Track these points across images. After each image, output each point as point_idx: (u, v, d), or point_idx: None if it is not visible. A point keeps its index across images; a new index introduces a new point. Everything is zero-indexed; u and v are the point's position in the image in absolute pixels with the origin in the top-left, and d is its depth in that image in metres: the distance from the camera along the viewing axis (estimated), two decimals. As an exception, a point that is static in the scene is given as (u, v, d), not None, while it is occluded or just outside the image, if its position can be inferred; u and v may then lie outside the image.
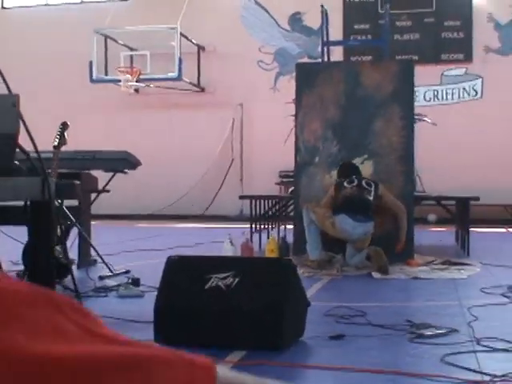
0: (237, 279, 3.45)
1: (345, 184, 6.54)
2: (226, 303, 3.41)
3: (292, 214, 8.11)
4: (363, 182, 6.55)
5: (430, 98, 15.12)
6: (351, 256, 6.41)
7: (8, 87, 1.71)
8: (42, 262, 1.88)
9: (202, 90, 16.14)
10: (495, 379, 2.78)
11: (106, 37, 15.41)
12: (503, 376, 2.81)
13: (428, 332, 3.62)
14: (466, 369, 2.95)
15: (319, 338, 3.58)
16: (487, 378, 2.81)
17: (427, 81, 14.57)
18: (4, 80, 1.71)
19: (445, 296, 5.01)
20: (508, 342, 3.39)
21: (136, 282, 5.38)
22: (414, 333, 3.63)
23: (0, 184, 1.68)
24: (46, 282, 1.90)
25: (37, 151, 1.71)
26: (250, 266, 3.66)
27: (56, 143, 5.05)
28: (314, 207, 6.55)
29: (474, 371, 2.92)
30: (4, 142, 1.63)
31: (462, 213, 8.25)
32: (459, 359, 3.11)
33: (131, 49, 15.62)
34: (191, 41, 15.50)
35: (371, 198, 6.48)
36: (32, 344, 0.48)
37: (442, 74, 15.12)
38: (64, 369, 0.49)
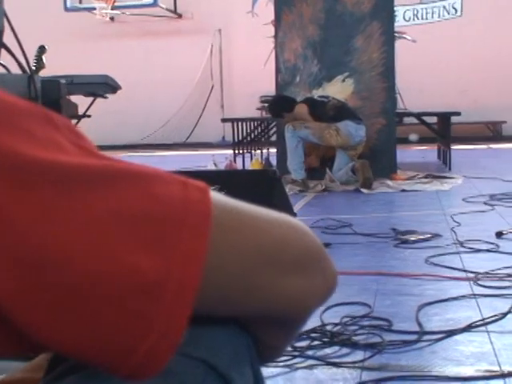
0: (222, 192, 3.48)
1: (318, 99, 6.60)
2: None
3: (274, 136, 8.12)
4: (332, 97, 6.67)
5: (410, 18, 14.96)
6: (338, 168, 6.47)
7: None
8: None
9: (179, 16, 15.89)
10: (479, 276, 2.87)
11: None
12: (486, 273, 2.90)
13: (412, 237, 3.71)
14: (451, 268, 3.04)
15: (306, 247, 3.64)
16: (471, 275, 2.89)
17: (406, 0, 14.41)
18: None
19: (428, 206, 5.10)
20: (490, 243, 3.49)
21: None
22: (398, 239, 3.72)
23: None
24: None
25: (22, 50, 1.70)
26: (235, 178, 3.69)
27: (34, 67, 4.99)
28: (305, 123, 6.51)
29: (458, 270, 3.01)
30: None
31: (444, 129, 8.30)
32: (443, 260, 3.20)
33: (105, -25, 15.27)
34: (166, -35, 15.18)
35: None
36: (37, 152, 0.49)
37: (421, -7, 14.95)
38: (80, 174, 0.51)
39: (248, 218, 0.64)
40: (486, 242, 3.50)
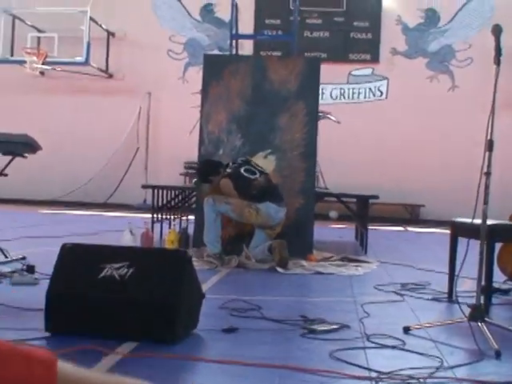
0: (131, 269, 3.40)
1: (243, 173, 6.57)
2: (119, 293, 3.35)
3: (194, 206, 8.07)
4: (261, 171, 6.66)
5: (337, 96, 15.38)
6: (255, 245, 6.44)
7: None
8: None
9: (111, 76, 15.87)
10: (382, 376, 2.84)
11: (14, 16, 14.93)
12: (389, 373, 2.87)
13: (320, 327, 3.68)
14: (354, 365, 3.00)
15: (212, 331, 3.57)
16: (374, 375, 2.87)
17: (335, 79, 14.81)
18: None
19: (340, 292, 5.10)
20: (397, 338, 3.49)
21: (31, 269, 5.26)
22: (306, 328, 3.68)
23: None
24: None
25: None
26: (145, 256, 3.62)
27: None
28: (225, 199, 6.48)
29: (362, 367, 2.98)
30: None
31: (362, 211, 8.43)
32: (348, 355, 3.17)
33: (39, 30, 15.19)
34: (101, 26, 15.20)
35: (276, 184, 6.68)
36: None
37: (350, 74, 15.40)
38: None
39: None
40: (393, 338, 3.50)
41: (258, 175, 6.63)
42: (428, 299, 4.81)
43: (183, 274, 3.41)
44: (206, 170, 6.72)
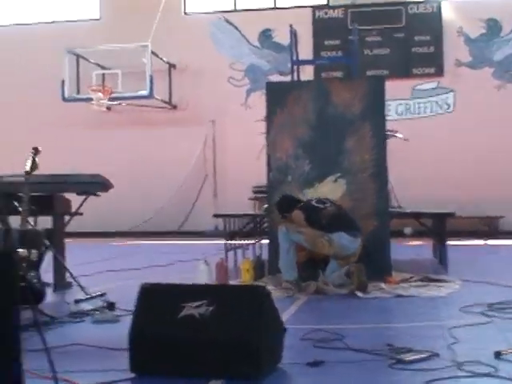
0: (211, 308, 3.38)
1: (316, 204, 6.51)
2: (200, 332, 3.33)
3: (266, 231, 8.03)
4: (332, 201, 6.59)
5: (402, 112, 15.20)
6: (332, 271, 6.34)
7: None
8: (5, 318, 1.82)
9: (174, 107, 16.08)
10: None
11: (78, 56, 15.31)
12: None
13: (408, 357, 3.56)
14: (449, 396, 2.90)
15: (297, 364, 3.51)
16: (470, 406, 2.76)
17: (398, 95, 14.65)
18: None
19: (425, 316, 4.96)
20: (489, 365, 3.34)
21: (111, 307, 5.32)
22: (394, 358, 3.57)
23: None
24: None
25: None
26: (224, 294, 3.59)
27: (28, 168, 5.04)
28: (298, 228, 6.44)
29: (457, 399, 2.87)
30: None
31: (439, 228, 8.23)
32: (441, 385, 3.06)
33: (103, 67, 15.52)
34: (162, 59, 15.44)
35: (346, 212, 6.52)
36: None
37: (413, 88, 15.21)
38: None
39: None
40: (485, 364, 3.36)
41: (328, 204, 6.54)
42: (517, 319, 4.63)
43: (263, 310, 3.37)
44: (283, 206, 6.67)
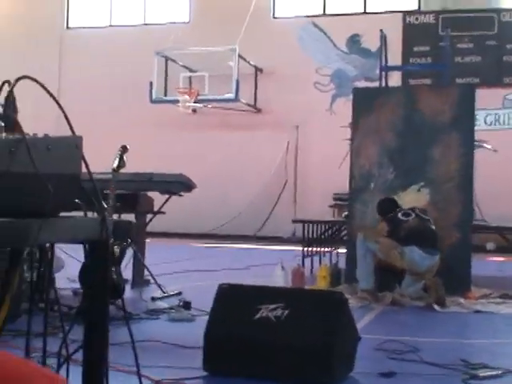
0: (286, 311, 3.39)
1: (399, 217, 6.42)
2: (275, 335, 3.35)
3: (345, 239, 7.98)
4: (419, 213, 6.44)
5: (491, 122, 14.83)
6: (408, 285, 6.25)
7: (71, 128, 1.77)
8: (98, 301, 1.92)
9: (259, 111, 16.18)
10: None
11: (167, 58, 15.61)
12: None
13: (483, 373, 3.49)
14: (524, 416, 2.83)
15: (369, 374, 3.49)
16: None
17: (488, 104, 14.26)
18: (68, 122, 1.77)
19: (502, 334, 4.86)
20: None
21: (187, 306, 5.39)
22: (468, 373, 3.50)
23: (61, 224, 1.74)
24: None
25: (96, 194, 1.73)
26: (300, 298, 3.60)
27: (115, 166, 5.17)
28: (375, 237, 6.40)
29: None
30: (69, 182, 1.70)
31: (523, 243, 8.01)
32: (516, 405, 2.99)
33: (190, 70, 15.77)
34: (249, 62, 15.56)
35: (434, 227, 6.37)
36: None
37: (505, 98, 14.83)
38: None
39: None
40: None
41: (412, 216, 6.43)
42: None
43: (339, 317, 3.36)
44: (384, 208, 6.62)
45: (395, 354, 3.94)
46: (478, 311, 5.77)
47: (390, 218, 6.47)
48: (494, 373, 3.51)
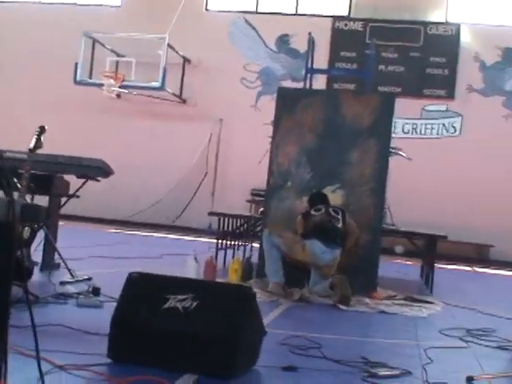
0: (195, 302, 3.43)
1: (312, 212, 6.59)
2: (181, 325, 3.38)
3: (259, 234, 8.08)
4: (331, 210, 6.59)
5: (409, 131, 15.25)
6: (315, 283, 6.40)
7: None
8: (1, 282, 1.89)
9: (184, 101, 16.14)
10: (442, 428, 2.78)
11: (95, 40, 15.37)
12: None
13: (382, 372, 3.62)
14: (415, 414, 2.95)
15: (272, 368, 3.56)
16: (434, 426, 2.81)
17: (408, 114, 14.70)
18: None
19: (403, 334, 5.02)
20: (459, 389, 3.41)
21: (96, 292, 5.34)
22: (367, 371, 3.63)
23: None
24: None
25: (5, 173, 1.71)
26: (210, 290, 3.64)
27: (32, 146, 5.08)
28: (280, 232, 6.57)
29: (422, 417, 2.92)
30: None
31: (429, 249, 8.28)
32: (409, 403, 3.11)
33: (118, 54, 15.59)
34: (177, 52, 15.50)
35: (339, 225, 6.53)
36: None
37: (423, 109, 15.26)
38: None
39: None
40: (454, 387, 3.42)
41: (321, 212, 6.59)
42: (493, 347, 4.68)
43: (246, 310, 3.42)
44: (316, 201, 6.75)
45: (299, 349, 4.03)
46: (382, 311, 5.96)
47: (305, 213, 6.62)
48: (392, 372, 3.63)
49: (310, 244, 6.35)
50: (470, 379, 3.61)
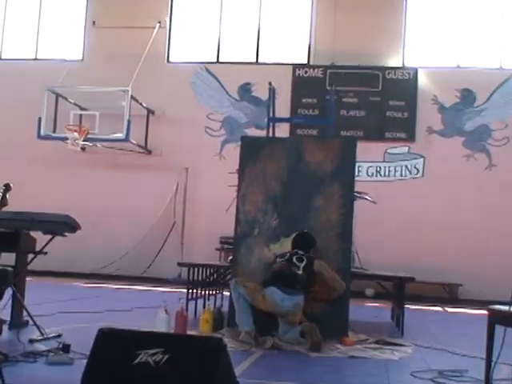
0: (166, 356, 3.44)
1: (277, 259, 6.70)
2: (153, 380, 3.38)
3: (229, 283, 8.09)
4: (294, 258, 6.68)
5: (373, 174, 15.45)
6: (284, 332, 6.41)
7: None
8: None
9: (149, 152, 16.19)
10: None
11: (58, 95, 15.41)
12: None
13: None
14: None
15: (245, 419, 3.57)
16: None
17: (371, 157, 14.92)
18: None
19: (375, 378, 5.05)
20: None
21: (66, 349, 5.29)
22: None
23: None
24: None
25: None
26: (180, 343, 3.65)
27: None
28: (244, 282, 6.65)
29: None
30: None
31: (398, 292, 8.36)
32: None
33: (81, 108, 15.64)
34: (141, 104, 15.60)
35: (299, 272, 6.57)
36: None
37: (386, 152, 15.49)
38: None
39: None
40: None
41: (285, 258, 6.68)
42: (465, 388, 4.73)
43: (218, 363, 3.43)
44: (309, 243, 6.89)
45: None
46: (353, 356, 5.97)
47: (274, 261, 6.71)
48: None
49: (269, 292, 6.40)
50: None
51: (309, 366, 5.54)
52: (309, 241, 6.91)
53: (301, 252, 6.75)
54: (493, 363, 4.48)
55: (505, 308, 4.27)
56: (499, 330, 4.20)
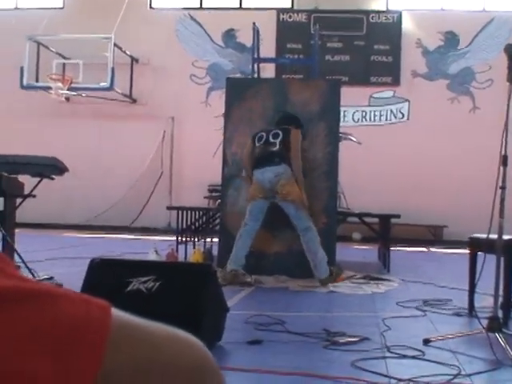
0: (158, 283, 3.52)
1: (256, 144, 6.75)
2: (145, 307, 3.43)
3: (218, 226, 8.17)
4: (270, 136, 6.69)
5: (359, 119, 15.49)
6: (304, 228, 6.50)
7: None
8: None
9: (134, 101, 16.12)
10: (401, 383, 2.92)
11: (39, 44, 15.25)
12: (409, 380, 2.95)
13: (341, 339, 3.76)
14: (375, 373, 3.09)
15: (237, 343, 3.67)
16: (393, 382, 2.95)
17: (356, 102, 14.93)
18: None
19: (362, 307, 5.17)
20: (417, 349, 3.56)
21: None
22: (328, 340, 3.76)
23: None
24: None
25: None
26: (171, 270, 3.74)
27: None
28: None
29: (382, 375, 3.06)
30: None
31: (384, 230, 8.48)
32: (369, 364, 3.25)
33: (64, 57, 15.49)
34: (125, 52, 15.47)
35: (276, 148, 6.59)
36: None
37: (371, 96, 15.52)
38: None
39: (143, 333, 0.73)
40: (413, 349, 3.57)
41: (262, 141, 6.70)
42: (449, 314, 4.86)
43: (208, 288, 3.52)
44: (285, 120, 6.92)
45: (262, 326, 4.15)
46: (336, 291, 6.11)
47: (253, 146, 6.88)
48: (351, 339, 3.78)
49: (254, 177, 6.57)
50: (426, 341, 3.77)
51: (297, 298, 5.66)
52: (286, 117, 6.94)
53: (275, 129, 6.76)
54: (475, 292, 4.64)
55: (484, 235, 4.39)
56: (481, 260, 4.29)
